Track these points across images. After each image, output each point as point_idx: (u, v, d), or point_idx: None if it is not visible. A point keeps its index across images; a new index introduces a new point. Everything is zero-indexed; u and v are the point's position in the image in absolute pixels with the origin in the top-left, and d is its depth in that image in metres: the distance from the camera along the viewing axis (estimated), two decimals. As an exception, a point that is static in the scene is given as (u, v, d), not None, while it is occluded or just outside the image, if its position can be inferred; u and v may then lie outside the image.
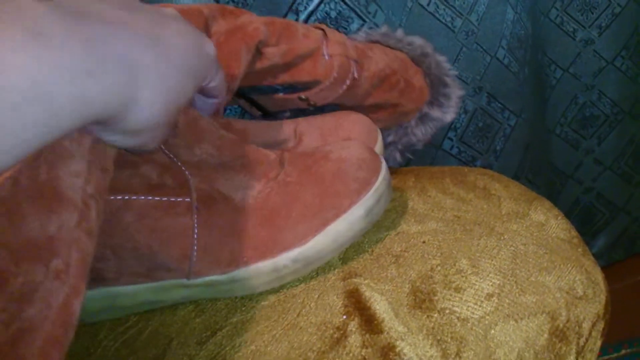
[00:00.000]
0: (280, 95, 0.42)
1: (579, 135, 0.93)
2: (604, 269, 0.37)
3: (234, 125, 0.41)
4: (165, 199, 0.33)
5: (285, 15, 0.55)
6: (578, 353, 0.32)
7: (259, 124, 0.42)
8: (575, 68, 0.87)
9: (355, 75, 0.41)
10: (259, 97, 0.44)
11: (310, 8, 0.59)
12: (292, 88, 0.42)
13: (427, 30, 0.68)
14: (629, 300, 0.91)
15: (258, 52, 0.38)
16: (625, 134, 0.93)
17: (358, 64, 0.41)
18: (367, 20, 0.61)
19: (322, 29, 0.42)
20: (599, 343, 0.34)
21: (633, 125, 0.93)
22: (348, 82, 0.41)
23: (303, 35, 0.40)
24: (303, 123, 0.42)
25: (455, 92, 0.51)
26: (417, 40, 0.50)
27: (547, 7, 0.80)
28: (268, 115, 0.48)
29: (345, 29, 0.61)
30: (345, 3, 0.60)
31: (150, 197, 0.33)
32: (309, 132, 0.42)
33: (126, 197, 0.32)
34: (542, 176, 0.91)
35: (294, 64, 0.39)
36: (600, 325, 0.34)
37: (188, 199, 0.33)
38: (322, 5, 0.60)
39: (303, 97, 0.42)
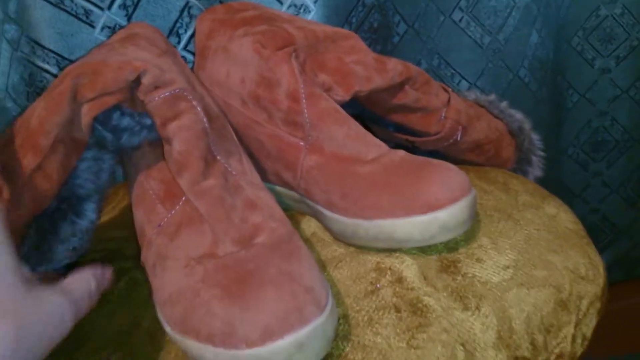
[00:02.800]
0: (390, 130, 0.49)
1: (589, 158, 0.97)
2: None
3: None
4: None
5: (342, 26, 0.60)
6: (577, 324, 0.37)
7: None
8: (592, 94, 0.91)
9: (459, 138, 0.47)
10: (372, 125, 0.50)
11: (360, 19, 0.65)
12: (402, 129, 0.48)
13: (456, 45, 0.74)
14: (620, 321, 0.94)
15: (401, 86, 0.44)
16: (633, 160, 0.97)
17: (464, 129, 0.47)
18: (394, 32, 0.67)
19: (449, 93, 0.47)
20: (594, 320, 0.39)
21: (642, 152, 0.97)
22: (450, 141, 0.48)
23: (435, 94, 0.46)
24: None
25: (535, 172, 0.54)
26: (518, 115, 0.54)
27: (570, 35, 0.85)
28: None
29: (385, 39, 0.67)
30: (383, 16, 0.66)
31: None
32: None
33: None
34: (549, 191, 0.95)
35: (416, 112, 0.46)
36: (597, 305, 0.39)
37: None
38: (368, 17, 0.66)
39: (410, 139, 0.49)
